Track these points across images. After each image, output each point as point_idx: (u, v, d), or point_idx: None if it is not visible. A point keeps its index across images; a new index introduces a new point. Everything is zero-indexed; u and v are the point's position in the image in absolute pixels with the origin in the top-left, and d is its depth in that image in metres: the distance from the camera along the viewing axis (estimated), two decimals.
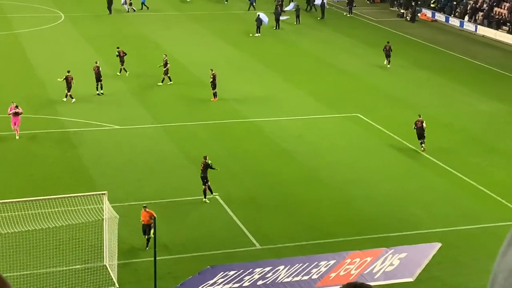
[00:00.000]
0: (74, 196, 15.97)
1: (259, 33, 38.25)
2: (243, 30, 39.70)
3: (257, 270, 10.34)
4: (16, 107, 21.94)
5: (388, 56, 32.14)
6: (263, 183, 20.02)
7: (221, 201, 18.52)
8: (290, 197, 19.10)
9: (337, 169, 21.22)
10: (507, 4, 42.71)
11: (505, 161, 21.82)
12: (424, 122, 21.47)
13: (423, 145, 21.70)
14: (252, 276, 10.10)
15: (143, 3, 42.90)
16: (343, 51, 36.14)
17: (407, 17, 44.16)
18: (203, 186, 18.33)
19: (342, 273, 10.15)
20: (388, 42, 32.56)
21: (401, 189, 20.08)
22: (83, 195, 15.93)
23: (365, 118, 25.28)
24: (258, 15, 38.88)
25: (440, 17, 44.05)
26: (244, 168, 21.06)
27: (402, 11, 45.48)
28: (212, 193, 18.47)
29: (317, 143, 23.42)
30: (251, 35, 38.40)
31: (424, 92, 29.18)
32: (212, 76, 26.40)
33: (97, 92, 26.99)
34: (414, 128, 21.68)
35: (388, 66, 32.30)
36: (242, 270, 10.21)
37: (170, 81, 28.45)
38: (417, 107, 25.70)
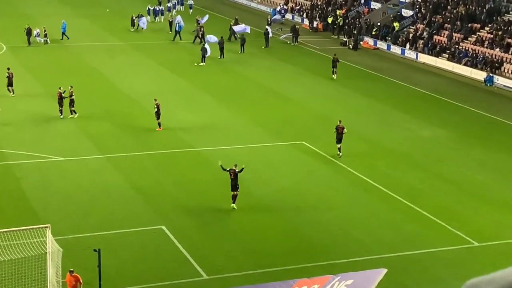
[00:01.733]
0: (16, 230, 15.49)
1: (204, 62, 38.09)
2: (188, 59, 39.61)
3: None
4: None
5: (334, 67, 34.79)
6: (209, 211, 20.12)
7: (167, 231, 18.41)
8: (236, 225, 19.39)
9: (283, 196, 21.32)
10: (446, 32, 45.10)
11: (448, 186, 22.30)
12: (345, 128, 23.04)
13: (340, 151, 23.36)
14: None
15: (63, 34, 42.68)
16: (288, 79, 36.37)
17: (350, 45, 45.57)
18: (234, 192, 19.11)
19: None
20: (335, 54, 35.65)
21: (347, 215, 20.09)
22: (26, 229, 15.54)
23: (310, 146, 25.39)
24: (204, 44, 38.98)
25: (382, 45, 45.78)
26: (190, 197, 21.21)
27: (345, 39, 46.95)
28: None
29: (264, 171, 23.42)
30: (195, 64, 38.28)
31: (367, 118, 29.70)
32: (156, 106, 26.36)
33: (60, 115, 27.36)
34: (334, 132, 23.25)
35: (335, 77, 35.02)
36: None
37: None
38: (360, 134, 26.50)
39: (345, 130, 22.91)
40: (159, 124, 26.30)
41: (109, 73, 35.81)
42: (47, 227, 14.79)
